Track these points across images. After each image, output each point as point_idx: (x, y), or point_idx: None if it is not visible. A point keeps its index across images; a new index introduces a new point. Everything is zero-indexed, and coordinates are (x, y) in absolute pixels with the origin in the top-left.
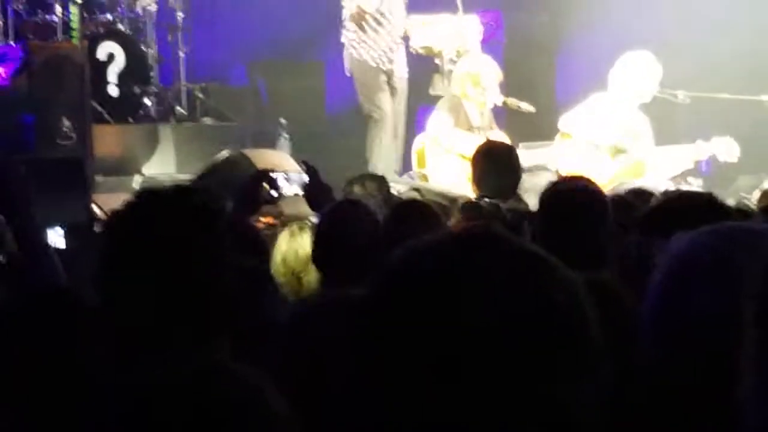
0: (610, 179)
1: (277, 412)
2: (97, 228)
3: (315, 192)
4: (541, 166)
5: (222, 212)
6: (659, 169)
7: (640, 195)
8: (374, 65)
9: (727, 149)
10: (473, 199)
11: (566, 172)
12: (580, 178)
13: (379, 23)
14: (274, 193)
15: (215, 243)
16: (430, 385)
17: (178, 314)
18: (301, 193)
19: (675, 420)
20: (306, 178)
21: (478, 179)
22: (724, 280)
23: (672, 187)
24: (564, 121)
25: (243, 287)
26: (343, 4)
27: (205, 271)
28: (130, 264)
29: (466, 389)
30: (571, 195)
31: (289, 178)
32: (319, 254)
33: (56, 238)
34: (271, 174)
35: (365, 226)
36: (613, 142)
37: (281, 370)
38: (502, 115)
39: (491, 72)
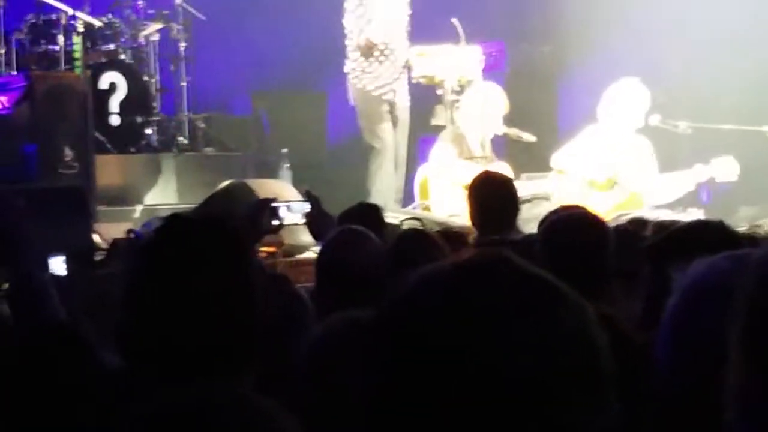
0: (608, 212)
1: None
2: (97, 257)
3: (317, 221)
4: (541, 195)
5: (246, 242)
6: (660, 194)
7: (640, 225)
8: (377, 95)
9: (726, 169)
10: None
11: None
12: (579, 207)
13: (383, 54)
14: (275, 222)
15: (245, 271)
16: (441, 411)
17: (206, 345)
18: (302, 222)
19: None
20: (307, 208)
21: (476, 211)
22: None
23: (672, 217)
24: (555, 159)
25: (271, 322)
26: (347, 33)
27: (239, 303)
28: (165, 291)
29: (477, 415)
30: (571, 223)
31: (291, 207)
32: (320, 282)
33: (57, 265)
34: (273, 203)
35: (367, 254)
36: (607, 175)
37: (299, 399)
38: (504, 145)
39: (496, 102)
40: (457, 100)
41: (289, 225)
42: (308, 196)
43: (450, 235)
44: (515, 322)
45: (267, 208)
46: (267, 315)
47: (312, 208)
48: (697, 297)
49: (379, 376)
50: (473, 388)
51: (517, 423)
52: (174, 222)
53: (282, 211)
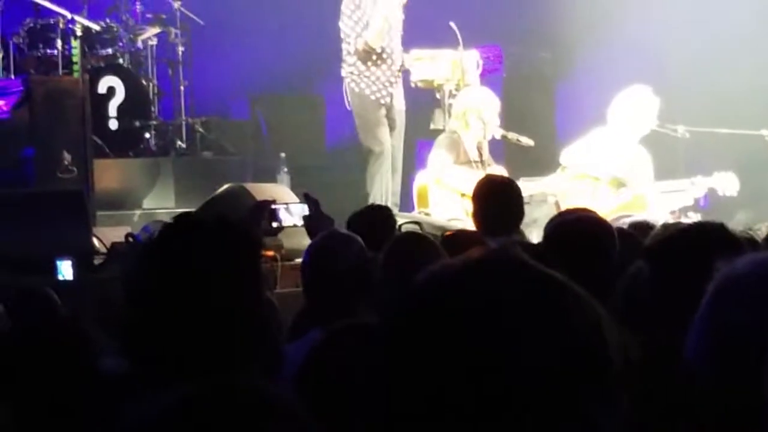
0: (611, 211)
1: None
2: (97, 261)
3: (316, 223)
4: (538, 196)
5: (259, 244)
6: (659, 203)
7: (641, 228)
8: (373, 99)
9: (727, 184)
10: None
11: (567, 204)
12: (584, 210)
13: (380, 57)
14: (275, 224)
15: (255, 273)
16: (453, 408)
17: (210, 341)
18: (301, 224)
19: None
20: (306, 210)
21: (479, 215)
22: None
23: (671, 221)
24: (565, 155)
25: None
26: (343, 37)
27: (244, 299)
28: (171, 289)
29: (488, 413)
30: (577, 226)
31: (290, 209)
32: (305, 283)
33: (65, 269)
34: (272, 206)
35: (349, 257)
36: (614, 174)
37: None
38: (501, 149)
39: (491, 105)
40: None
41: (288, 227)
42: (307, 199)
43: (462, 235)
44: (525, 318)
45: (266, 210)
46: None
47: (311, 211)
48: (736, 289)
49: (389, 377)
50: (485, 383)
51: (528, 417)
52: (182, 222)
53: (281, 214)
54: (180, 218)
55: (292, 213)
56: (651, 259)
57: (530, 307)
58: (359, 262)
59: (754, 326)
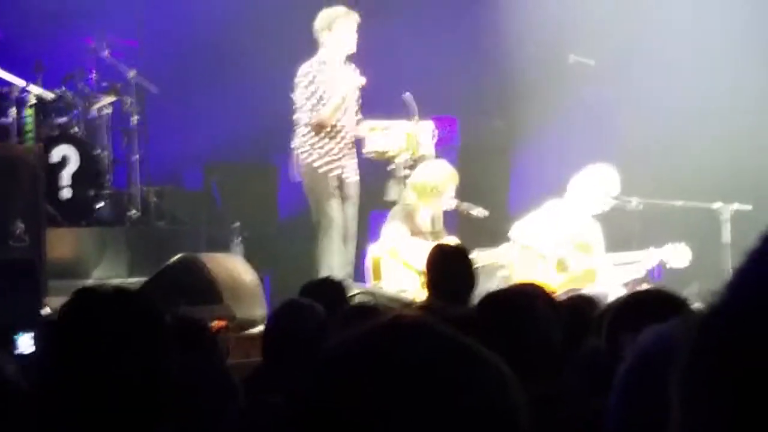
0: (561, 284)
1: None
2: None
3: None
4: (491, 267)
5: (157, 313)
6: (612, 275)
7: (588, 302)
8: (324, 171)
9: (679, 255)
10: (423, 302)
11: (518, 274)
12: (529, 283)
13: (333, 130)
14: None
15: (154, 340)
16: None
17: (117, 407)
18: None
19: None
20: None
21: (431, 284)
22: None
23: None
24: (514, 230)
25: (189, 382)
26: (295, 109)
27: (145, 366)
28: (73, 358)
29: None
30: (507, 293)
31: None
32: (266, 350)
33: (25, 342)
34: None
35: (308, 324)
36: (560, 255)
37: None
38: (455, 219)
39: (450, 179)
40: (409, 176)
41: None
42: None
43: (428, 309)
44: (428, 383)
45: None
46: (190, 390)
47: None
48: (646, 365)
49: None
50: None
51: None
52: (83, 296)
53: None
54: (78, 292)
55: None
56: (604, 328)
57: (432, 370)
58: (320, 330)
59: (661, 402)
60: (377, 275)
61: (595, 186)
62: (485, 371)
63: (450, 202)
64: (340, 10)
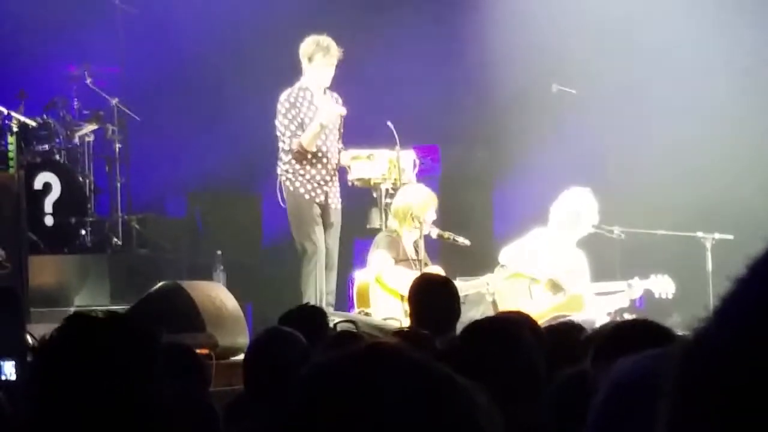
0: (547, 311)
1: None
2: (30, 359)
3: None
4: (475, 296)
5: (152, 338)
6: (595, 304)
7: (574, 328)
8: (308, 198)
9: (663, 286)
10: (405, 330)
11: (503, 303)
12: (513, 312)
13: (316, 156)
14: None
15: (150, 366)
16: None
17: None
18: None
19: None
20: None
21: (415, 313)
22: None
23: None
24: (504, 254)
25: (175, 408)
26: (278, 135)
27: (140, 391)
28: (67, 384)
29: None
30: (490, 321)
31: None
32: (246, 378)
33: (8, 369)
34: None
35: (290, 352)
36: (551, 277)
37: None
38: (438, 248)
39: (429, 204)
40: (391, 203)
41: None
42: None
43: (414, 336)
44: (400, 409)
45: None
46: (175, 416)
47: None
48: (620, 395)
49: None
50: None
51: None
52: (77, 321)
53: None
54: (71, 318)
55: None
56: (590, 356)
57: (402, 396)
58: (301, 358)
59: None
60: (364, 302)
61: (575, 210)
62: (458, 398)
63: (432, 230)
64: (322, 44)
